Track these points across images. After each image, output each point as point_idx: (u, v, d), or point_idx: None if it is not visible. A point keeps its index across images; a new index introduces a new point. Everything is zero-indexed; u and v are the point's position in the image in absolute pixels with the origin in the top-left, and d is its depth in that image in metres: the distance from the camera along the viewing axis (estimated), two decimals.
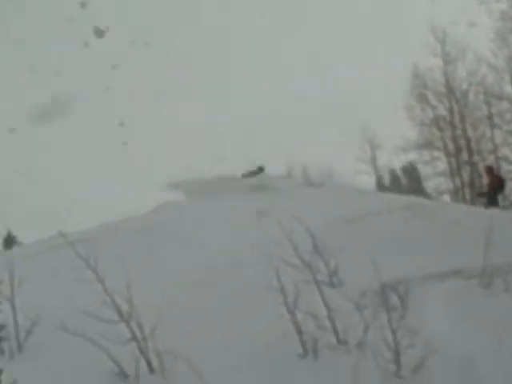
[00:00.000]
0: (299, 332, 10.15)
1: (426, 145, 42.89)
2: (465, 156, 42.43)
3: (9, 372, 8.31)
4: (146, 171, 45.41)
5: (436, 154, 43.01)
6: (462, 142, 42.36)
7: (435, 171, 43.06)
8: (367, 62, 50.95)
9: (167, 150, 46.05)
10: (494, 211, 20.43)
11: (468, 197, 40.65)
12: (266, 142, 40.19)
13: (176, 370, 9.52)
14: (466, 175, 42.31)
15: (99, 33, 28.09)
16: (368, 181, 46.21)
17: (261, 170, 24.74)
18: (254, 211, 18.69)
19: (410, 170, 47.98)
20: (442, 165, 42.98)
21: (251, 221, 18.04)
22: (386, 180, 51.02)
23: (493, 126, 41.52)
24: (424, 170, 44.31)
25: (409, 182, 49.07)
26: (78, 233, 17.10)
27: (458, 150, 42.45)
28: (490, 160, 39.15)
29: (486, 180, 24.34)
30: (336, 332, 10.24)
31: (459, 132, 42.48)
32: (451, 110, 42.52)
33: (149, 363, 9.97)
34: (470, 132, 42.27)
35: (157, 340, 9.84)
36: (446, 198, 42.32)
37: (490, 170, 24.29)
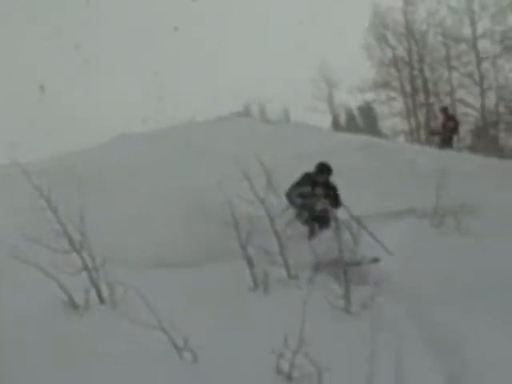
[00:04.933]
0: (250, 266, 10.18)
1: (383, 85, 42.97)
2: (421, 97, 42.61)
3: None
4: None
5: (393, 94, 43.19)
6: (419, 83, 42.52)
7: (391, 111, 43.27)
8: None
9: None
10: (448, 152, 20.66)
11: (423, 138, 40.91)
12: (224, 81, 39.90)
13: (126, 301, 9.49)
14: (421, 116, 42.55)
15: None
16: (324, 119, 46.24)
17: None
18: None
19: (367, 110, 48.01)
20: (399, 105, 43.21)
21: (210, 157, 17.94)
22: (342, 119, 51.01)
23: (450, 68, 41.63)
24: (380, 110, 44.48)
25: (365, 121, 49.12)
26: (34, 163, 16.81)
27: (415, 90, 42.60)
28: (447, 102, 39.29)
29: (440, 121, 24.50)
30: (288, 267, 10.29)
31: (417, 73, 42.58)
32: (410, 51, 42.54)
33: (99, 293, 9.93)
34: (427, 73, 42.37)
35: (108, 271, 9.79)
36: (402, 138, 42.56)
37: (445, 111, 24.43)
